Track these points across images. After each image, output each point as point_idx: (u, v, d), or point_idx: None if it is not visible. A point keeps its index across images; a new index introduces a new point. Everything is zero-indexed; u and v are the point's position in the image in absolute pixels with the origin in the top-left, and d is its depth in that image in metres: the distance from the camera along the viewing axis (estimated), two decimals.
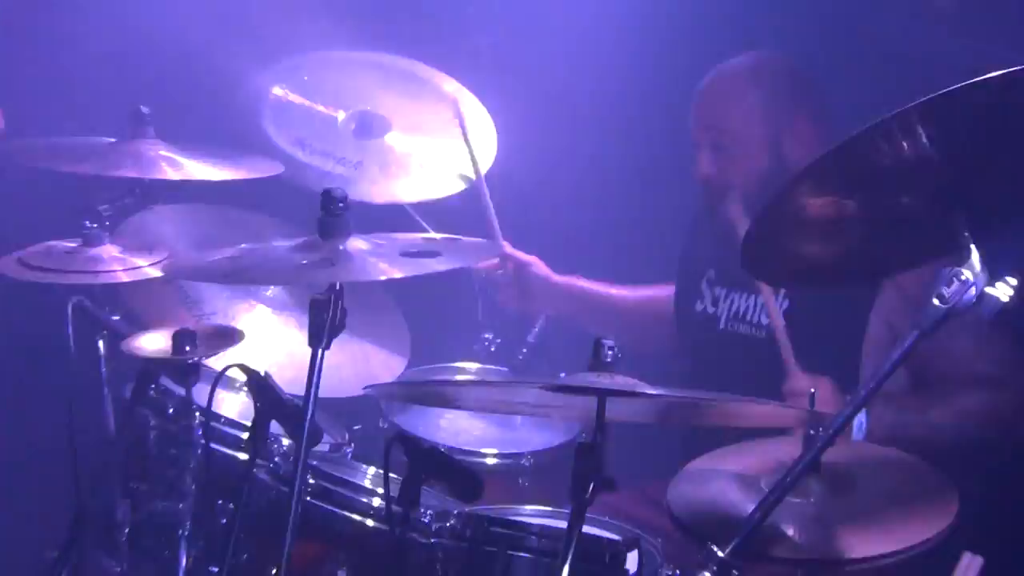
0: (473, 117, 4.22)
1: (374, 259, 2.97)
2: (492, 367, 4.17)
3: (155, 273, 3.46)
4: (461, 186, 4.14)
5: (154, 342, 3.28)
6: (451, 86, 4.25)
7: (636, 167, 4.61)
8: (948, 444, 3.38)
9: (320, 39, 4.45)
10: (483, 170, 4.12)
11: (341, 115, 4.11)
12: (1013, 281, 2.28)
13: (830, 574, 2.77)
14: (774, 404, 2.89)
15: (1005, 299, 2.29)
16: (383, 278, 2.92)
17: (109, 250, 3.52)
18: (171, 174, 3.69)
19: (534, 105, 4.60)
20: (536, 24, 4.66)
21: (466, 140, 4.11)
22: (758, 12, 4.31)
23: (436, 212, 4.15)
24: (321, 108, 4.11)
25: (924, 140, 2.26)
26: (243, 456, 3.27)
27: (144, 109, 3.74)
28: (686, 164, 3.89)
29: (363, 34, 4.47)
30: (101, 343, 3.51)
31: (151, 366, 3.26)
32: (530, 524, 3.08)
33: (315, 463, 3.25)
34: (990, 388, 3.46)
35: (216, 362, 3.20)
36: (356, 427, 3.81)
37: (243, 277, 3.34)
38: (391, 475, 2.96)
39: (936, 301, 2.30)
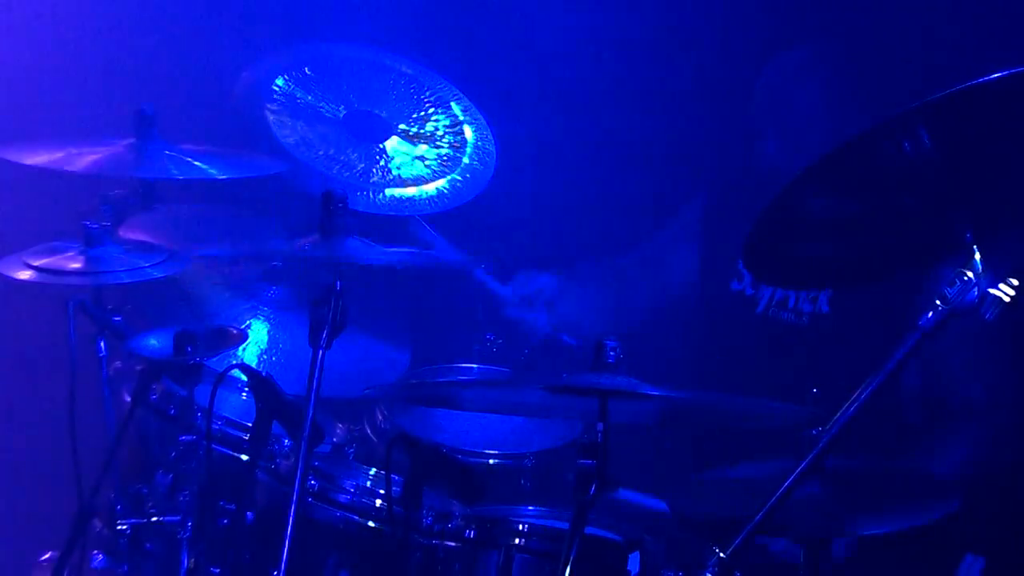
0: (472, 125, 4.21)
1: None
2: (494, 367, 4.16)
3: (157, 273, 3.46)
4: (465, 197, 4.14)
5: (155, 343, 3.28)
6: (450, 91, 4.24)
7: (638, 166, 4.61)
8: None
9: (321, 32, 4.45)
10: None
11: (342, 111, 4.11)
12: (1015, 282, 2.27)
13: (830, 564, 2.79)
14: (777, 405, 2.89)
15: (1007, 299, 2.28)
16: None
17: (110, 250, 3.52)
18: (175, 173, 3.68)
19: (535, 106, 4.59)
20: (537, 25, 4.66)
21: None
22: (758, 13, 4.31)
23: (439, 216, 4.15)
24: (324, 105, 4.11)
25: (926, 141, 2.26)
26: (244, 457, 3.27)
27: (148, 109, 3.73)
28: (689, 161, 3.89)
29: (363, 32, 4.46)
30: (102, 344, 3.51)
31: (152, 367, 3.27)
32: (532, 525, 3.08)
33: (316, 464, 3.25)
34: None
35: (218, 363, 3.20)
36: (358, 428, 3.81)
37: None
38: (393, 476, 2.97)
39: (938, 301, 2.30)
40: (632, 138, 4.57)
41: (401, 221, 4.08)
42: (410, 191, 4.12)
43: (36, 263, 3.44)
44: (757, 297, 3.90)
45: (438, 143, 4.18)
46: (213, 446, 3.20)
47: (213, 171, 3.68)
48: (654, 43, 4.46)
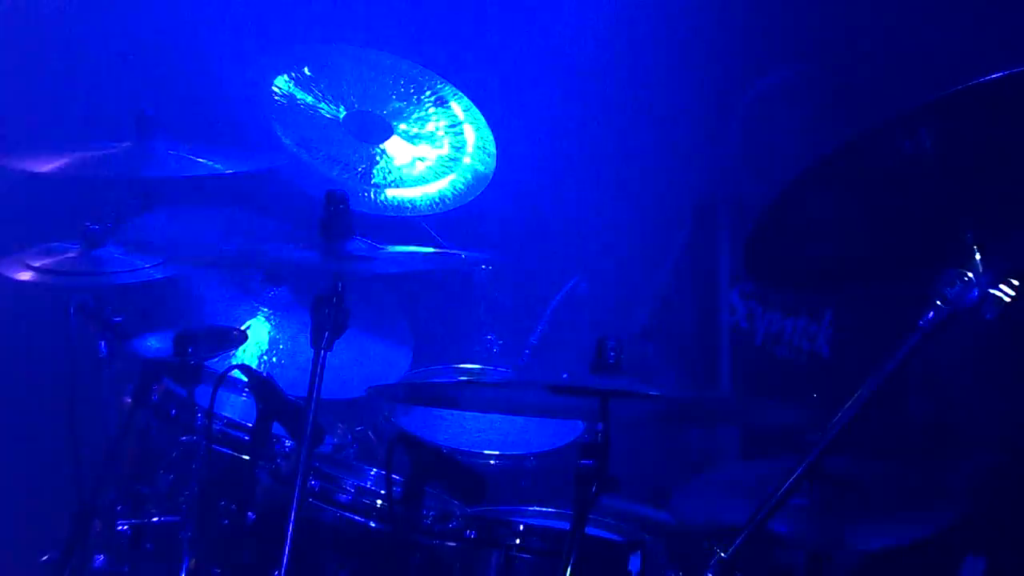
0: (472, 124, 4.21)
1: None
2: (495, 368, 4.16)
3: (157, 274, 3.46)
4: (466, 198, 4.14)
5: (156, 344, 3.29)
6: (451, 91, 4.25)
7: (637, 167, 4.62)
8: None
9: (322, 32, 4.46)
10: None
11: (343, 112, 4.11)
12: (1016, 282, 2.27)
13: (831, 565, 2.79)
14: (777, 405, 2.89)
15: (1007, 300, 2.28)
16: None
17: (111, 251, 3.52)
18: (178, 171, 3.68)
19: (535, 107, 4.60)
20: (537, 26, 4.66)
21: None
22: (756, 14, 4.31)
23: (440, 218, 4.15)
24: (324, 105, 4.11)
25: (926, 141, 2.26)
26: (245, 457, 3.27)
27: (149, 111, 3.73)
28: (688, 165, 3.89)
29: (363, 33, 4.47)
30: (103, 344, 3.51)
31: (153, 368, 3.26)
32: (533, 525, 3.08)
33: (317, 464, 3.25)
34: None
35: (218, 363, 3.21)
36: (359, 428, 3.81)
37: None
38: (393, 476, 2.97)
39: (939, 302, 2.30)
40: (631, 147, 4.58)
41: (404, 222, 4.08)
42: (411, 192, 4.12)
43: (36, 264, 3.44)
44: (753, 330, 3.88)
45: (438, 143, 4.18)
46: (214, 447, 3.21)
47: (217, 165, 3.68)
48: (653, 51, 4.47)
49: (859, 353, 3.56)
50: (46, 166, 3.59)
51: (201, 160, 3.67)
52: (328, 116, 4.10)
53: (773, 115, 3.80)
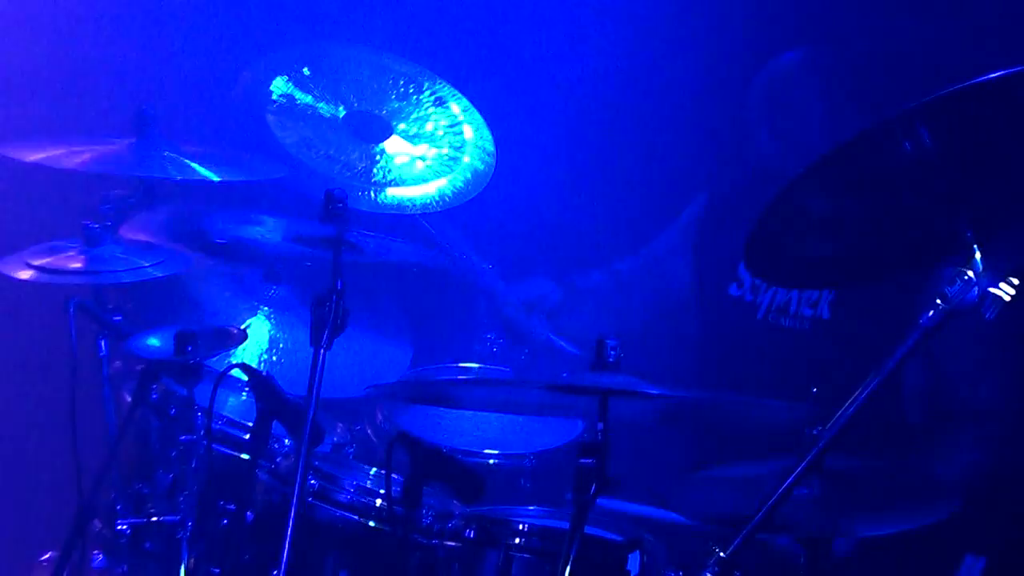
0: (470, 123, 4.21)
1: None
2: (494, 367, 4.16)
3: (157, 273, 3.46)
4: (465, 197, 4.13)
5: (156, 342, 3.29)
6: (450, 90, 4.25)
7: (635, 164, 4.61)
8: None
9: (321, 32, 4.46)
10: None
11: (342, 111, 4.11)
12: (1016, 281, 2.27)
13: (831, 561, 2.79)
14: (777, 403, 2.88)
15: (1007, 299, 2.28)
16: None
17: (111, 250, 3.52)
18: (174, 174, 3.68)
19: (533, 105, 4.59)
20: (537, 19, 4.66)
21: None
22: (755, 12, 4.31)
23: (439, 217, 4.15)
24: (323, 105, 4.11)
25: (926, 140, 2.26)
26: (245, 456, 3.27)
27: (148, 109, 3.73)
28: (685, 162, 3.89)
29: (362, 32, 4.47)
30: (103, 343, 3.51)
31: (153, 367, 3.27)
32: (532, 524, 3.08)
33: (317, 463, 3.25)
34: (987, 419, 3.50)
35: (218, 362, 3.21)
36: (358, 427, 3.81)
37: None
38: (393, 475, 2.97)
39: (938, 300, 2.30)
40: (633, 140, 4.57)
41: (404, 221, 4.08)
42: (410, 191, 4.12)
43: (36, 263, 3.43)
44: (757, 303, 3.90)
45: (438, 143, 4.18)
46: (213, 446, 3.21)
47: (211, 174, 3.69)
48: (655, 45, 4.46)
49: (858, 311, 3.60)
50: (38, 155, 3.58)
51: (195, 166, 3.68)
52: (327, 116, 4.10)
53: (791, 86, 3.84)
